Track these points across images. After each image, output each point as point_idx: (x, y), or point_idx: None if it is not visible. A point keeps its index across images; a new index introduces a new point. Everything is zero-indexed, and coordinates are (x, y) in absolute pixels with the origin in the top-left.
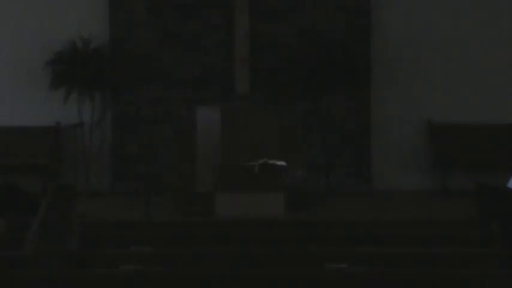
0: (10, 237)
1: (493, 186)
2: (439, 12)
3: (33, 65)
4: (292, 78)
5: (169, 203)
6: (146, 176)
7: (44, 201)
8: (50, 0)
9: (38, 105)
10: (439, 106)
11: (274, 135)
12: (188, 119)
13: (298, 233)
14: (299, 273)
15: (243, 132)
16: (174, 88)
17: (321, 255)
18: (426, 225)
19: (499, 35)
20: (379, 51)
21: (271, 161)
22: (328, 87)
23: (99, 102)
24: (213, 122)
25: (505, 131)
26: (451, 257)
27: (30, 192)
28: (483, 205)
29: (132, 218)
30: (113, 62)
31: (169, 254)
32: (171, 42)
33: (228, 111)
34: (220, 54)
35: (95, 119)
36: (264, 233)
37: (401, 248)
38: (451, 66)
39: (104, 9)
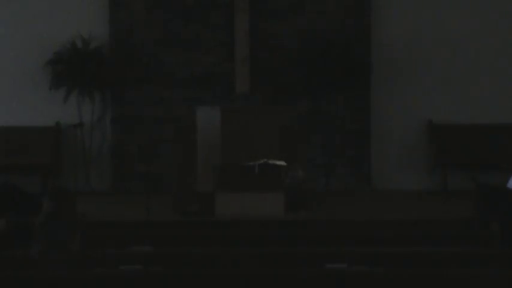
0: (10, 237)
1: (493, 186)
2: (439, 12)
3: (33, 65)
4: (292, 78)
5: (169, 203)
6: (146, 176)
7: (45, 202)
8: (50, 0)
9: (38, 105)
10: (439, 106)
11: (274, 135)
12: (188, 119)
13: (298, 233)
14: (299, 273)
15: (243, 132)
16: (174, 88)
17: (321, 255)
18: (426, 225)
19: (499, 35)
20: (379, 51)
21: (271, 161)
22: (328, 87)
23: (99, 102)
24: (213, 122)
25: (505, 131)
26: (451, 257)
27: (30, 192)
28: (483, 205)
29: (132, 218)
30: (113, 62)
31: (169, 254)
32: (171, 42)
33: (228, 111)
34: (220, 54)
35: (95, 119)
36: (264, 233)
37: (401, 248)
38: (451, 66)
39: (104, 9)
